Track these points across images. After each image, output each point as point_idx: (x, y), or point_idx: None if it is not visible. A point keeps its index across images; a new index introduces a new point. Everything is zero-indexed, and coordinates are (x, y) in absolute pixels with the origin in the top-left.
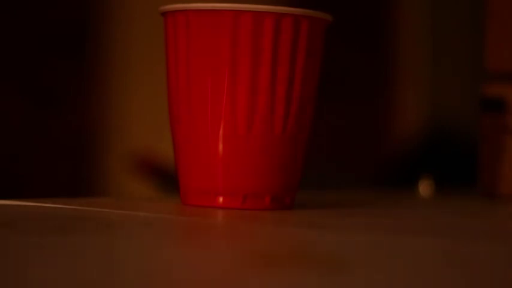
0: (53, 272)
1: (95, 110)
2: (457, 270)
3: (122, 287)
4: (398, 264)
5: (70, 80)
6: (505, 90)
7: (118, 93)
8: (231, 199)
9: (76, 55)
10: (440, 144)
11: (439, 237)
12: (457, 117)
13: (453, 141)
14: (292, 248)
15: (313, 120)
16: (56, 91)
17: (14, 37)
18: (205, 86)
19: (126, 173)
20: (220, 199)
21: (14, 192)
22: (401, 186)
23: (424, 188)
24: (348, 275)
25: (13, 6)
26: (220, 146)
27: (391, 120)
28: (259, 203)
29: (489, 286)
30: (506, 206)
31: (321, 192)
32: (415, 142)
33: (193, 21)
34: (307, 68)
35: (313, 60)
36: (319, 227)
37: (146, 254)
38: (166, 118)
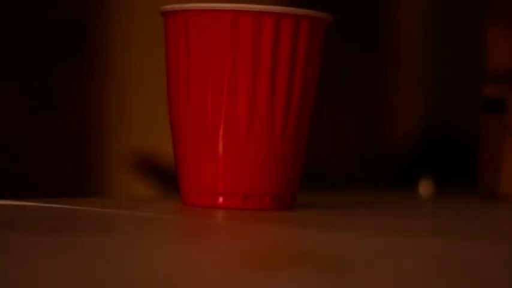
0: (53, 272)
1: (95, 110)
2: (457, 270)
3: (121, 287)
4: (398, 265)
5: (70, 80)
6: (505, 90)
7: (118, 93)
8: (231, 199)
9: (76, 55)
10: (440, 144)
11: (439, 237)
12: (457, 117)
13: (453, 141)
14: (292, 248)
15: (314, 120)
16: (56, 91)
17: (14, 37)
18: (205, 86)
19: (126, 173)
20: (221, 199)
21: (14, 192)
22: (401, 186)
23: (424, 188)
24: (348, 275)
25: (13, 6)
26: (220, 146)
27: (391, 120)
28: (260, 203)
29: (489, 286)
30: (506, 206)
31: (321, 192)
32: (415, 142)
33: (192, 21)
34: (307, 68)
35: (313, 60)
36: (319, 227)
37: (146, 254)
38: (166, 118)
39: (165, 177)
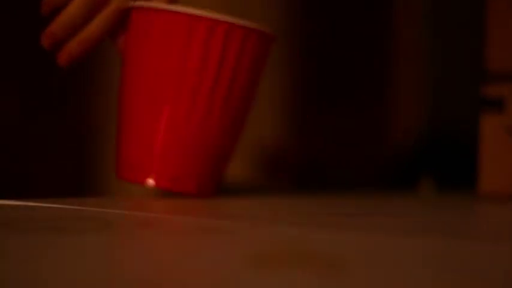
0: (53, 271)
1: (95, 110)
2: (456, 270)
3: (121, 287)
4: (398, 264)
5: (70, 79)
6: (505, 90)
7: None
8: (161, 179)
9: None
10: (440, 144)
11: (439, 237)
12: (457, 118)
13: (453, 141)
14: (292, 248)
15: (247, 120)
16: (56, 91)
17: (14, 37)
18: (156, 79)
19: None
20: (152, 178)
21: (14, 192)
22: (401, 186)
23: (424, 188)
24: (348, 275)
25: (13, 6)
26: (160, 134)
27: (392, 120)
28: (186, 186)
29: (489, 286)
30: (506, 206)
31: (322, 192)
32: (416, 142)
33: (154, 19)
34: (248, 76)
35: (254, 70)
36: (319, 227)
37: (146, 254)
38: None
39: None
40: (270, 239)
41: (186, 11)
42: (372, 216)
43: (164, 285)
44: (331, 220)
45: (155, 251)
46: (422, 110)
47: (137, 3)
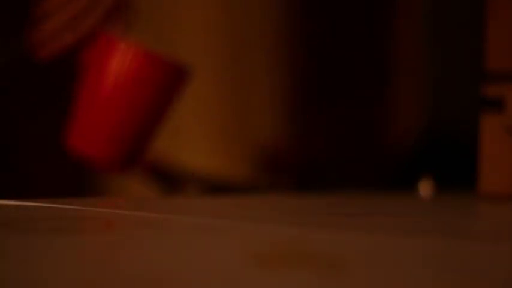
0: (53, 271)
1: None
2: (456, 270)
3: (122, 287)
4: (398, 264)
5: (71, 79)
6: (505, 90)
7: None
8: (98, 154)
9: (77, 54)
10: (440, 144)
11: (439, 237)
12: (457, 118)
13: (453, 141)
14: (291, 248)
15: (163, 121)
16: (56, 91)
17: (15, 37)
18: (100, 85)
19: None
20: (95, 152)
21: (14, 192)
22: (401, 186)
23: (424, 188)
24: (348, 275)
25: (13, 6)
26: (103, 118)
27: (391, 120)
28: (109, 165)
29: (489, 286)
30: (506, 206)
31: (322, 193)
32: (415, 142)
33: (102, 45)
34: (156, 99)
35: (161, 95)
36: (319, 227)
37: (146, 254)
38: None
39: (166, 178)
40: (270, 239)
41: (120, 42)
42: (372, 216)
43: (164, 285)
44: (331, 220)
45: (155, 251)
46: (422, 110)
47: (99, 32)
